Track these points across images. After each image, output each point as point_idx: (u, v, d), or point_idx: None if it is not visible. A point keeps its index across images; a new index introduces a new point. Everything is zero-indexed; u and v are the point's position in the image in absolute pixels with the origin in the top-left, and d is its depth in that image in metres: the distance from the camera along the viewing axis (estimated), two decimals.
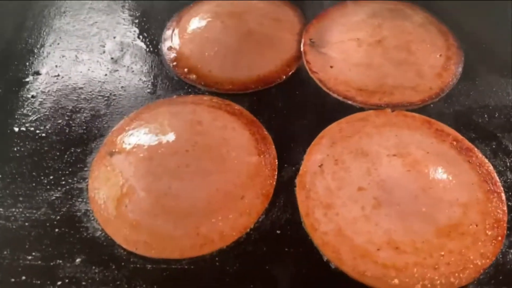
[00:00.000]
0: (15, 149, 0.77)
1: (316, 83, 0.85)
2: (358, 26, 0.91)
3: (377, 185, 0.68)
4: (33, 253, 0.65)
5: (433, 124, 0.77)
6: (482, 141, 0.76)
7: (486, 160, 0.72)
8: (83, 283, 0.62)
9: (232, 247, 0.65)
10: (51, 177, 0.73)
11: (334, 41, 0.90)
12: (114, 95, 0.85)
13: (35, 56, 0.92)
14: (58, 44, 0.95)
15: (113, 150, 0.74)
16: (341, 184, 0.69)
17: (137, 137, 0.74)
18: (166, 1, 1.03)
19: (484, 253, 0.63)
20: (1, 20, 0.99)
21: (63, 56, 0.92)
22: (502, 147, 0.75)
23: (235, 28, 0.90)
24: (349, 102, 0.81)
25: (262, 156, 0.74)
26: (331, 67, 0.86)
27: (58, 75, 0.88)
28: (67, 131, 0.80)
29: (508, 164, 0.73)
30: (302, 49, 0.90)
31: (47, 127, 0.80)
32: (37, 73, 0.89)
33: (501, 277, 0.62)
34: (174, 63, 0.89)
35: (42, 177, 0.73)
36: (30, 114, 0.82)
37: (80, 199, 0.71)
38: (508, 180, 0.71)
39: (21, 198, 0.71)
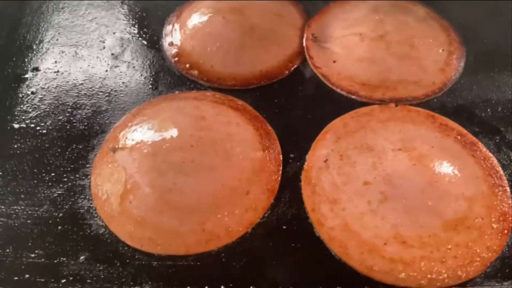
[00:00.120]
0: (16, 146, 0.76)
1: (319, 78, 0.84)
2: (360, 21, 0.90)
3: (383, 179, 0.67)
4: (36, 251, 0.64)
5: (437, 118, 0.77)
6: (485, 135, 0.76)
7: (490, 154, 0.72)
8: (88, 280, 0.62)
9: (238, 242, 0.65)
10: (53, 174, 0.72)
11: (337, 36, 0.89)
12: (115, 91, 0.84)
13: (34, 52, 0.91)
14: (57, 40, 0.94)
15: (116, 146, 0.73)
16: (347, 179, 0.69)
17: (140, 132, 0.73)
18: None
19: (490, 247, 0.63)
20: None
21: (62, 52, 0.91)
22: (505, 141, 0.75)
23: (237, 23, 0.89)
24: (353, 97, 0.81)
25: (266, 152, 0.73)
26: (334, 62, 0.85)
27: (58, 71, 0.87)
28: (68, 127, 0.79)
29: None
30: (304, 44, 0.89)
31: (47, 123, 0.79)
32: (36, 69, 0.88)
33: (507, 270, 0.62)
34: (176, 59, 0.88)
35: (44, 174, 0.72)
36: (30, 110, 0.81)
37: (82, 196, 0.70)
38: None
39: (22, 196, 0.70)
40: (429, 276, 0.60)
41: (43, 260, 0.63)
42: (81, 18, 0.98)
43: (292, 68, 0.86)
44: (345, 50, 0.87)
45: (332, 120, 0.78)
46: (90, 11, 0.99)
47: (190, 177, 0.68)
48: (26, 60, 0.90)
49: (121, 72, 0.87)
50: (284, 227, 0.66)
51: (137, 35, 0.94)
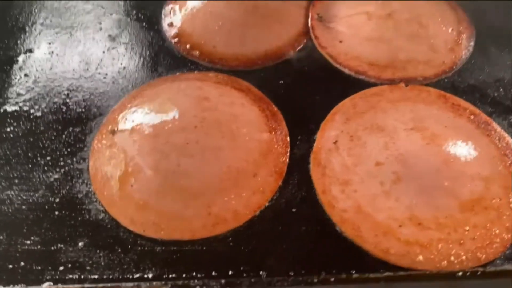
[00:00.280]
0: (9, 129, 0.72)
1: (326, 58, 0.82)
2: (366, 0, 0.87)
3: (396, 159, 0.65)
4: (32, 238, 0.61)
5: (448, 98, 0.74)
6: (499, 114, 0.74)
7: (506, 134, 0.70)
8: (88, 267, 0.58)
9: (246, 226, 0.62)
10: (49, 158, 0.69)
11: (342, 15, 0.87)
12: (113, 73, 0.81)
13: (27, 34, 0.87)
14: (51, 21, 0.90)
15: (115, 129, 0.70)
16: (358, 160, 0.66)
17: (140, 114, 0.70)
18: None
19: (510, 227, 0.60)
20: None
21: (56, 34, 0.87)
22: None
23: (240, 2, 0.86)
24: (361, 77, 0.78)
25: (273, 133, 0.70)
26: (340, 42, 0.83)
27: (52, 52, 0.84)
28: (64, 110, 0.75)
29: None
30: (309, 24, 0.86)
31: (42, 106, 0.75)
32: (30, 51, 0.84)
33: None
34: (176, 40, 0.84)
35: (39, 158, 0.69)
36: (23, 93, 0.77)
37: (80, 180, 0.67)
38: None
39: (16, 181, 0.67)
40: (447, 258, 0.57)
41: (39, 247, 0.60)
42: None
43: (297, 48, 0.83)
44: (352, 29, 0.84)
45: (340, 101, 0.75)
46: None
47: (195, 159, 0.64)
48: (19, 42, 0.86)
49: (119, 53, 0.84)
50: (294, 210, 0.63)
51: (135, 16, 0.91)
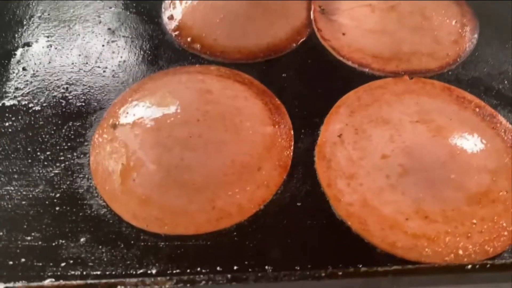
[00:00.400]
0: (7, 124, 0.71)
1: (329, 51, 0.81)
2: None
3: (402, 151, 0.64)
4: (33, 233, 0.60)
5: (453, 91, 0.74)
6: (504, 107, 0.73)
7: (511, 126, 0.69)
8: (90, 263, 0.57)
9: (250, 220, 0.61)
10: (48, 153, 0.68)
11: (345, 8, 0.86)
12: (113, 66, 0.79)
13: (25, 28, 0.86)
14: (49, 14, 0.88)
15: (116, 123, 0.68)
16: (363, 153, 0.65)
17: (142, 107, 0.69)
18: None
19: None
20: None
21: (55, 27, 0.86)
22: None
23: None
24: (365, 69, 0.77)
25: (277, 127, 0.69)
26: (344, 34, 0.82)
27: (51, 46, 0.82)
28: (63, 104, 0.74)
29: None
30: (312, 16, 0.85)
31: (41, 100, 0.74)
32: (28, 44, 0.83)
33: None
34: (176, 33, 0.83)
35: (39, 153, 0.68)
36: (21, 87, 0.76)
37: (81, 175, 0.65)
38: None
39: (16, 176, 0.65)
40: (455, 251, 0.57)
41: (40, 243, 0.59)
42: None
43: (300, 41, 0.82)
44: (355, 21, 0.83)
45: (343, 94, 0.74)
46: None
47: (198, 153, 0.63)
48: (17, 35, 0.85)
49: (118, 47, 0.83)
50: (299, 204, 0.62)
51: (135, 9, 0.89)
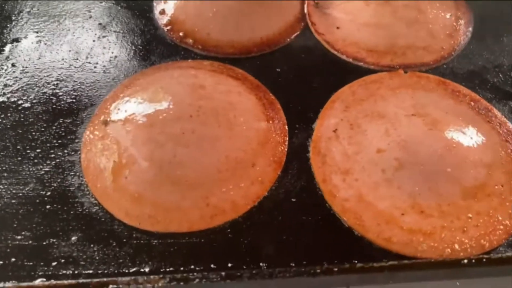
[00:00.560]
0: None
1: (323, 45, 0.80)
2: None
3: (398, 145, 0.63)
4: (23, 233, 0.59)
5: (448, 85, 0.73)
6: (499, 100, 0.73)
7: (506, 120, 0.69)
8: (81, 262, 0.56)
9: (245, 217, 0.60)
10: (39, 150, 0.67)
11: (339, 1, 0.85)
12: (104, 62, 0.78)
13: (13, 23, 0.84)
14: (38, 10, 0.87)
15: (108, 119, 0.67)
16: (359, 148, 0.65)
17: (134, 103, 0.68)
18: None
19: None
20: None
21: (44, 22, 0.84)
22: None
23: None
24: (360, 63, 0.77)
25: (271, 122, 0.68)
26: (338, 28, 0.81)
27: (40, 42, 0.81)
28: (53, 101, 0.73)
29: None
30: (306, 10, 0.84)
31: (31, 97, 0.73)
32: (16, 40, 0.81)
33: None
34: (169, 27, 0.82)
35: (29, 151, 0.66)
36: (10, 84, 0.74)
37: (72, 173, 0.64)
38: None
39: (5, 174, 0.64)
40: (451, 246, 0.56)
41: (30, 242, 0.58)
42: None
43: (294, 35, 0.82)
44: (349, 15, 0.82)
45: (338, 89, 0.73)
46: None
47: (191, 149, 0.62)
48: (5, 31, 0.83)
49: (109, 42, 0.81)
50: (293, 199, 0.62)
51: (126, 3, 0.88)
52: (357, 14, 0.82)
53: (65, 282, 0.54)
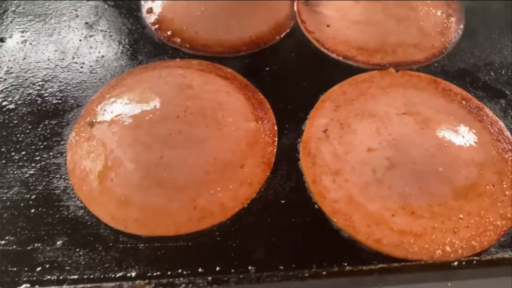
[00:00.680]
0: None
1: (313, 43, 0.79)
2: None
3: (389, 144, 0.62)
4: (7, 237, 0.57)
5: (439, 83, 0.73)
6: (490, 99, 0.72)
7: (497, 119, 0.68)
8: (67, 267, 0.55)
9: (233, 220, 0.59)
10: (23, 153, 0.65)
11: None
12: (91, 62, 0.77)
13: None
14: (23, 8, 0.85)
15: (94, 120, 0.66)
16: (349, 148, 0.64)
17: (120, 104, 0.67)
18: None
19: (503, 214, 0.59)
20: None
21: (30, 21, 0.83)
22: (511, 104, 0.71)
23: None
24: (350, 62, 0.76)
25: (260, 122, 0.67)
26: (328, 26, 0.80)
27: (25, 41, 0.79)
28: (39, 102, 0.71)
29: None
30: (295, 7, 0.84)
31: (15, 98, 0.71)
32: (1, 40, 0.80)
33: None
34: (156, 26, 0.81)
35: (13, 153, 0.65)
36: None
37: (58, 176, 0.63)
38: None
39: None
40: (441, 247, 0.56)
41: (15, 247, 0.57)
42: None
43: (284, 33, 0.81)
44: (340, 12, 0.81)
45: (328, 88, 0.73)
46: None
47: (178, 150, 0.61)
48: None
49: (96, 41, 0.80)
50: (283, 201, 0.61)
51: (113, 2, 0.87)
52: (347, 11, 0.81)
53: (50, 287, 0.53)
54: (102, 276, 0.54)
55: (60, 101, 0.71)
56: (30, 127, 0.68)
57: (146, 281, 0.52)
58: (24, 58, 0.77)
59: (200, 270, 0.54)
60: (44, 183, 0.62)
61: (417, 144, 0.62)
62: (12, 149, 0.65)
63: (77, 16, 0.84)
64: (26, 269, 0.55)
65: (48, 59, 0.77)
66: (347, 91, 0.71)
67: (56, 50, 0.78)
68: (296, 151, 0.66)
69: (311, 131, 0.67)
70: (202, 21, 0.79)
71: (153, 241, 0.57)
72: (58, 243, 0.57)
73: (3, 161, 0.64)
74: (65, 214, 0.60)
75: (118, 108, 0.66)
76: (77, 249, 0.56)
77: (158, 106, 0.65)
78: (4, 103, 0.71)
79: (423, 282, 0.53)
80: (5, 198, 0.61)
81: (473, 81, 0.74)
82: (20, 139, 0.67)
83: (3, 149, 0.65)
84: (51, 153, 0.65)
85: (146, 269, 0.55)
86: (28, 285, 0.54)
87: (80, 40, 0.80)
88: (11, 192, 0.61)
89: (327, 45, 0.78)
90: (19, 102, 0.71)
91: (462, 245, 0.56)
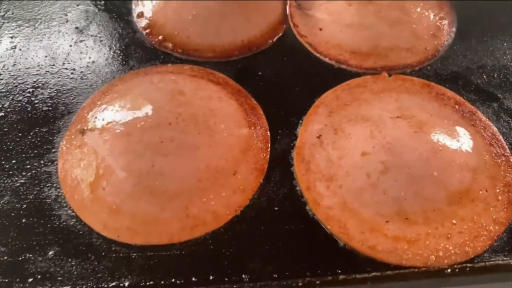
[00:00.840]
0: None
1: (306, 47, 0.79)
2: None
3: (383, 148, 0.62)
4: None
5: (433, 88, 0.73)
6: (483, 102, 0.72)
7: (490, 123, 0.68)
8: (59, 278, 0.55)
9: (226, 227, 0.59)
10: (14, 161, 0.65)
11: (321, 2, 0.83)
12: (81, 67, 0.76)
13: None
14: (13, 13, 0.84)
15: (85, 128, 0.65)
16: (343, 152, 0.64)
17: (111, 111, 0.66)
18: None
19: (496, 219, 0.59)
20: None
21: (19, 27, 0.82)
22: (504, 108, 0.72)
23: None
24: (343, 66, 0.76)
25: (253, 128, 0.67)
26: (321, 29, 0.79)
27: (15, 47, 0.78)
28: (29, 109, 0.70)
29: None
30: (288, 11, 0.83)
31: (5, 105, 0.71)
32: None
33: None
34: (147, 31, 0.80)
35: (3, 162, 0.65)
36: None
37: (49, 184, 0.62)
38: None
39: None
40: (435, 253, 0.56)
41: (5, 258, 0.56)
42: None
43: (276, 38, 0.80)
44: (332, 16, 0.81)
45: (321, 92, 0.72)
46: None
47: (170, 158, 0.61)
48: None
49: (87, 47, 0.79)
50: (276, 208, 0.61)
51: (104, 7, 0.86)
52: (339, 14, 0.81)
53: None
54: (95, 286, 0.54)
55: (50, 108, 0.71)
56: (20, 135, 0.67)
57: None
58: (14, 64, 0.76)
59: (193, 279, 0.54)
60: (35, 192, 0.62)
61: (411, 148, 0.61)
62: (2, 158, 0.65)
63: (67, 21, 0.83)
64: (18, 280, 0.54)
65: (38, 65, 0.76)
66: (341, 96, 0.71)
67: (46, 56, 0.77)
68: (290, 157, 0.65)
69: (305, 137, 0.67)
70: (194, 26, 0.79)
71: (146, 250, 0.57)
72: (50, 253, 0.56)
73: None
74: (57, 223, 0.59)
75: (109, 116, 0.65)
76: (69, 259, 0.56)
77: (149, 113, 0.64)
78: None
79: None
80: None
81: (466, 84, 0.74)
82: (10, 147, 0.66)
83: None
84: (42, 162, 0.65)
85: (139, 278, 0.54)
86: None
87: (71, 46, 0.79)
88: (1, 202, 0.61)
89: (319, 49, 0.77)
90: (8, 110, 0.70)
91: (456, 251, 0.56)
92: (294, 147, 0.66)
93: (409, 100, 0.70)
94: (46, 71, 0.75)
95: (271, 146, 0.66)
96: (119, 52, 0.78)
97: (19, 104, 0.71)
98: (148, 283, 0.54)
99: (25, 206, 0.60)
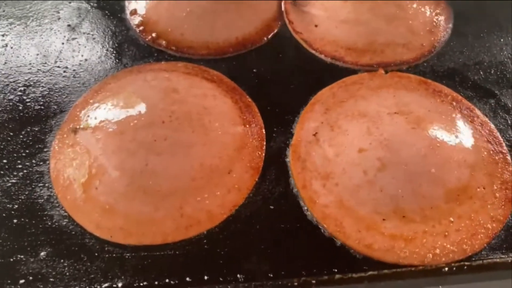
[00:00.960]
0: None
1: (301, 44, 0.78)
2: None
3: (381, 144, 0.61)
4: None
5: (430, 84, 0.72)
6: (480, 99, 0.72)
7: (488, 120, 0.68)
8: (51, 279, 0.54)
9: (221, 227, 0.58)
10: (5, 161, 0.64)
11: None
12: (74, 65, 0.75)
13: None
14: (4, 11, 0.83)
15: (77, 127, 0.65)
16: (339, 149, 0.63)
17: (104, 110, 0.65)
18: None
19: (494, 217, 0.58)
20: None
21: (10, 24, 0.81)
22: (501, 104, 0.71)
23: None
24: (338, 63, 0.75)
25: (248, 126, 0.66)
26: (316, 26, 0.79)
27: (6, 45, 0.77)
28: (20, 108, 0.69)
29: (509, 122, 0.69)
30: (283, 7, 0.82)
31: None
32: None
33: None
34: (141, 28, 0.79)
35: None
36: None
37: (41, 184, 0.62)
38: (511, 139, 0.67)
39: None
40: (432, 251, 0.55)
41: None
42: None
43: (271, 34, 0.79)
44: (328, 12, 0.80)
45: (317, 90, 0.72)
46: None
47: (164, 157, 0.60)
48: None
49: (79, 44, 0.78)
50: (272, 207, 0.60)
51: (96, 4, 0.85)
52: (335, 10, 0.80)
53: None
54: (87, 287, 0.53)
55: (42, 107, 0.70)
56: (11, 134, 0.66)
57: None
58: (5, 63, 0.75)
59: (188, 279, 0.54)
60: (26, 192, 0.61)
61: (409, 144, 0.61)
62: None
63: (59, 19, 0.82)
64: (9, 281, 0.53)
65: (30, 64, 0.75)
66: (337, 93, 0.70)
67: (38, 54, 0.76)
68: (285, 155, 0.65)
69: (301, 135, 0.66)
70: (188, 23, 0.78)
71: (139, 250, 0.56)
72: (42, 254, 0.56)
73: None
74: (49, 224, 0.58)
75: (102, 114, 0.64)
76: (62, 260, 0.55)
77: (142, 111, 0.63)
78: None
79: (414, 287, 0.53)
80: None
81: (463, 80, 0.74)
82: (1, 146, 0.65)
83: None
84: (33, 161, 0.64)
85: (133, 279, 0.54)
86: None
87: (63, 43, 0.78)
88: None
89: (315, 46, 0.76)
90: (0, 109, 0.69)
91: (453, 249, 0.56)
92: (289, 145, 0.65)
93: (407, 96, 0.69)
94: (38, 69, 0.74)
95: (266, 144, 0.65)
96: (112, 49, 0.77)
97: (11, 103, 0.70)
98: (141, 284, 0.53)
99: (16, 206, 0.60)
